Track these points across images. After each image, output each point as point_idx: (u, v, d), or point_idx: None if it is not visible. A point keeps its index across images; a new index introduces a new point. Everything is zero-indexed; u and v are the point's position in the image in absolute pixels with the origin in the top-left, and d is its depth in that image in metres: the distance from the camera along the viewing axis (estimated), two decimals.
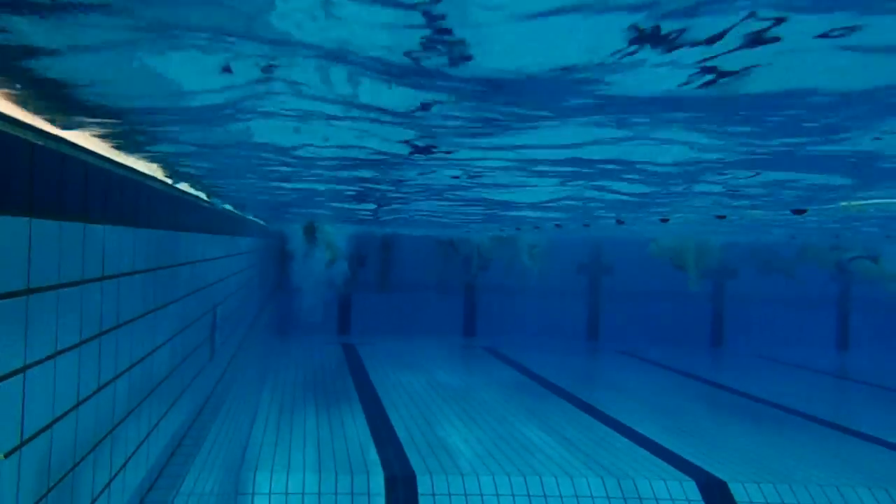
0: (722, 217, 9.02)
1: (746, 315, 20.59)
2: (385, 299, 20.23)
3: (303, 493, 7.53)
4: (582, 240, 18.99)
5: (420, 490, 7.68)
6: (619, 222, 11.12)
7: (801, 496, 7.81)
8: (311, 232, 14.56)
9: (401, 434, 9.52)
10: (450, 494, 7.67)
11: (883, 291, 16.79)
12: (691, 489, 7.82)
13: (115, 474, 3.56)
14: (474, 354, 18.11)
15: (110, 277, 3.31)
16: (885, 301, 19.42)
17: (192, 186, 5.47)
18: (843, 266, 16.85)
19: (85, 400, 3.01)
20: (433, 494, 7.66)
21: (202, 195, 5.90)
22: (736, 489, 7.83)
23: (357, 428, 9.75)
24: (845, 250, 15.99)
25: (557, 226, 13.16)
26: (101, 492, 3.34)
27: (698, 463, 8.60)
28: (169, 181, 4.82)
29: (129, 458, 3.83)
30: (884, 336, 20.17)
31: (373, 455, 8.52)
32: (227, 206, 7.41)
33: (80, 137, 3.21)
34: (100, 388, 3.22)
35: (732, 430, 10.63)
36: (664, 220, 9.67)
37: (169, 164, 4.38)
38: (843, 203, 6.49)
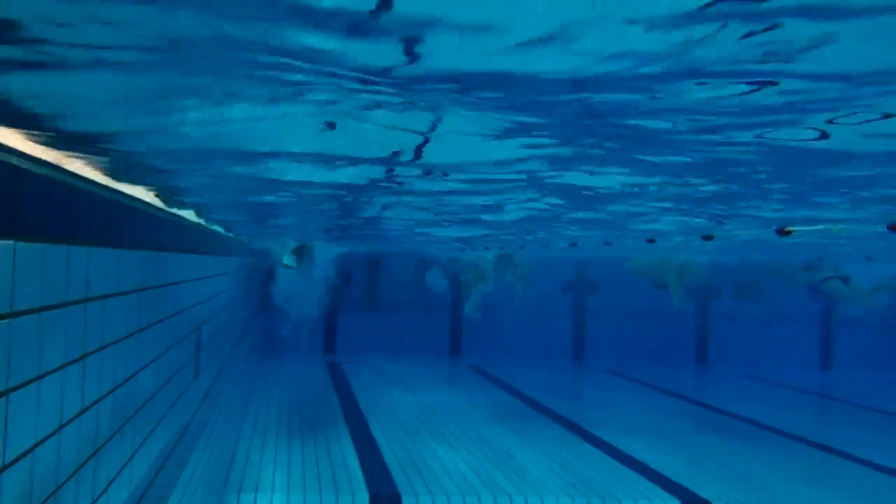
0: (709, 238, 9.08)
1: (731, 334, 20.67)
2: (370, 318, 20.20)
3: None
4: (568, 259, 19.06)
5: None
6: (608, 243, 11.18)
7: None
8: (298, 253, 14.37)
9: (386, 454, 9.50)
10: None
11: (857, 311, 16.95)
12: None
13: (98, 497, 3.54)
14: (460, 374, 18.10)
15: (95, 299, 3.31)
16: (867, 321, 19.62)
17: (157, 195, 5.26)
18: (816, 287, 16.95)
19: (69, 422, 3.00)
20: None
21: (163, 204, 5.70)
22: None
23: (342, 447, 9.72)
24: (817, 271, 16.11)
25: (545, 247, 13.21)
26: None
27: (682, 482, 8.61)
28: (148, 200, 4.82)
29: (113, 480, 3.81)
30: (867, 355, 20.33)
31: (357, 475, 8.49)
32: (199, 220, 7.38)
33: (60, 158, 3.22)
34: (84, 410, 3.21)
35: (717, 449, 10.66)
36: (651, 241, 9.73)
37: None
38: (828, 226, 6.55)
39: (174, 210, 5.70)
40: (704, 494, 8.15)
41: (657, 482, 8.61)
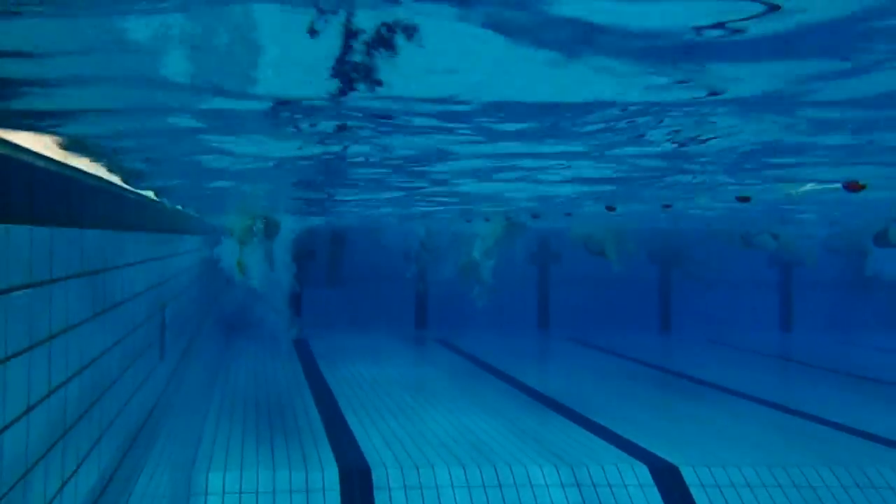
0: (668, 207, 9.16)
1: (693, 300, 20.91)
2: (335, 293, 20.13)
3: (257, 492, 7.48)
4: (531, 230, 19.10)
5: (375, 483, 7.68)
6: (568, 214, 11.23)
7: (749, 478, 7.99)
8: (265, 229, 13.88)
9: (354, 428, 9.51)
10: (405, 487, 7.69)
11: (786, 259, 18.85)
12: (643, 474, 7.94)
13: (68, 479, 3.51)
14: (427, 346, 18.16)
15: (59, 280, 3.25)
16: (825, 283, 20.12)
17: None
18: (749, 241, 18.12)
19: (36, 405, 2.96)
20: (388, 488, 7.67)
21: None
22: (687, 473, 7.97)
23: (310, 423, 9.71)
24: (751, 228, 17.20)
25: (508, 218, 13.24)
26: (54, 497, 3.28)
27: (650, 448, 8.73)
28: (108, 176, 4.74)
29: (81, 462, 3.77)
30: (824, 317, 20.78)
31: (326, 450, 8.50)
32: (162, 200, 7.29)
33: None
34: (51, 392, 3.16)
35: (683, 414, 10.82)
36: (610, 209, 9.79)
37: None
38: (789, 189, 6.65)
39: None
40: (671, 459, 8.28)
41: (624, 449, 8.71)
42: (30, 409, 2.89)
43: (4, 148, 2.69)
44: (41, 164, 3.09)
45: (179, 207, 9.06)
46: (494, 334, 18.94)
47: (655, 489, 7.79)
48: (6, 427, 2.65)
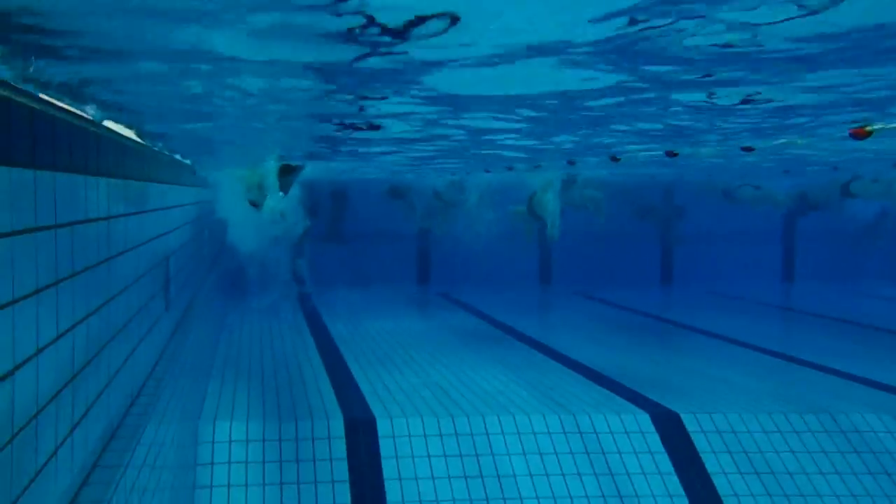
0: (674, 155, 9.12)
1: (694, 253, 20.94)
2: (337, 249, 20.14)
3: (263, 440, 7.59)
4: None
5: (380, 432, 7.78)
6: (570, 163, 11.20)
7: (750, 424, 8.08)
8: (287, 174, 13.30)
9: (359, 379, 9.61)
10: (409, 436, 7.79)
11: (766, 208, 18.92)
12: (645, 421, 8.03)
13: (77, 423, 3.56)
14: (429, 300, 18.23)
15: (64, 226, 3.27)
16: (827, 235, 20.16)
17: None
18: (731, 193, 18.26)
19: (45, 347, 3.00)
20: (393, 436, 7.77)
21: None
22: (688, 420, 8.06)
23: (315, 375, 9.81)
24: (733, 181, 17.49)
25: (509, 168, 13.20)
26: (64, 441, 3.34)
27: (651, 396, 8.82)
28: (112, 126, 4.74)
29: (90, 407, 3.82)
30: (826, 268, 20.84)
31: (332, 400, 8.59)
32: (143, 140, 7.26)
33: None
34: (59, 336, 3.20)
35: (684, 363, 10.90)
36: (615, 160, 9.76)
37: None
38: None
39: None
40: (672, 407, 8.36)
41: (626, 397, 8.80)
42: (39, 350, 2.94)
43: (7, 91, 2.69)
44: (44, 109, 3.10)
45: (186, 161, 9.06)
46: (497, 289, 18.99)
47: (657, 436, 7.89)
48: (17, 367, 2.69)
